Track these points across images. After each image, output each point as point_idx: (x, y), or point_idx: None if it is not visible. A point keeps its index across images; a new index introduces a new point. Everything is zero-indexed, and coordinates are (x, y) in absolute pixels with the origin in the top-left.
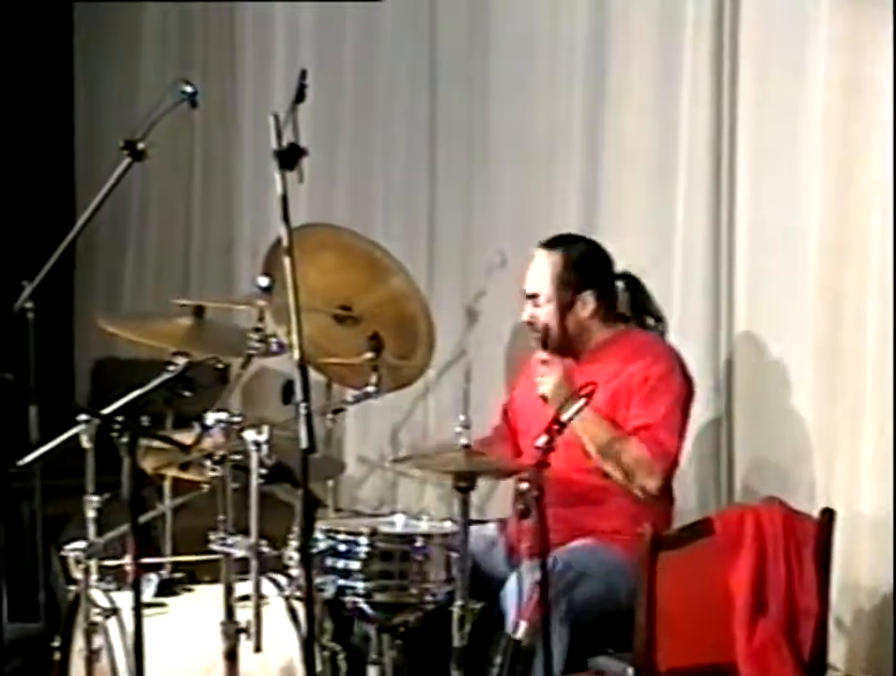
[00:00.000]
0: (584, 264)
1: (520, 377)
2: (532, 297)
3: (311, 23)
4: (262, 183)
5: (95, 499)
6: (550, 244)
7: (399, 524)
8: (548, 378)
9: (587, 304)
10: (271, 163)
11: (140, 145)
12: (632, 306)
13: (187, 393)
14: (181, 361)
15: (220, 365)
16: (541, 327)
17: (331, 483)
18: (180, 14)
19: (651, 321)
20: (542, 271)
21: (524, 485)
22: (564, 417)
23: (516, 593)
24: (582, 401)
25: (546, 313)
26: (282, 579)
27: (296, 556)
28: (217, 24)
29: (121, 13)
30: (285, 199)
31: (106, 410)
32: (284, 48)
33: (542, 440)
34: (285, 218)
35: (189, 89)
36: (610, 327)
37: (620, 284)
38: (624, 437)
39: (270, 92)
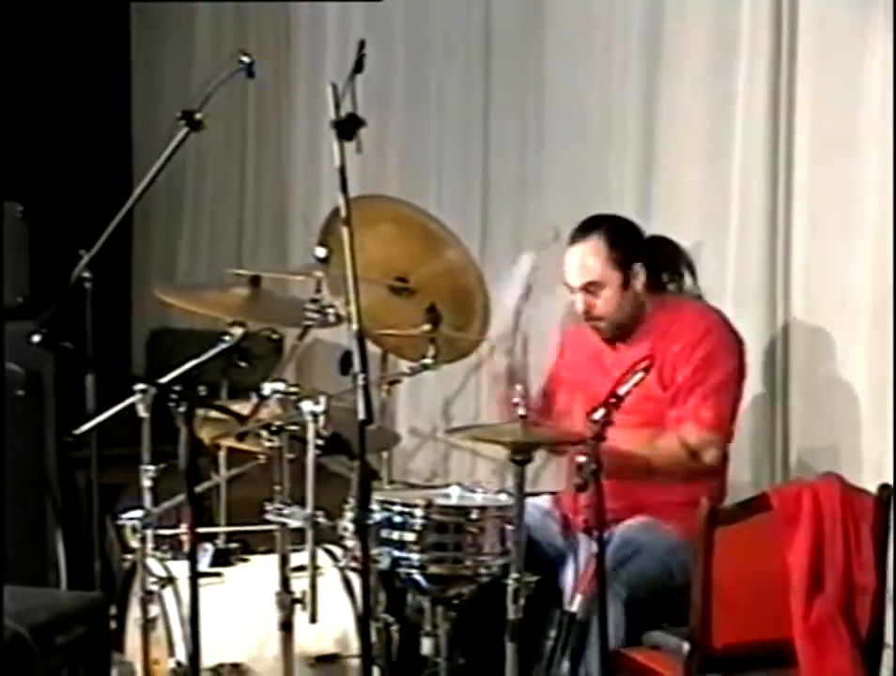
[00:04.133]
0: (623, 238)
1: (561, 353)
2: (586, 287)
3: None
4: (315, 154)
5: (151, 468)
6: (583, 233)
7: (454, 496)
8: None
9: (639, 276)
10: (324, 134)
11: (197, 116)
12: (669, 267)
13: (243, 364)
14: (237, 331)
15: (275, 336)
16: (599, 315)
17: (385, 454)
18: None
19: (688, 281)
20: (587, 260)
21: (582, 458)
22: (622, 390)
23: (572, 567)
24: (640, 374)
25: (604, 298)
26: (337, 550)
27: (351, 527)
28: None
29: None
30: (343, 170)
31: (163, 380)
32: (336, 18)
33: (599, 414)
34: (344, 189)
35: (246, 59)
36: (657, 296)
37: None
38: (659, 435)
39: (322, 63)
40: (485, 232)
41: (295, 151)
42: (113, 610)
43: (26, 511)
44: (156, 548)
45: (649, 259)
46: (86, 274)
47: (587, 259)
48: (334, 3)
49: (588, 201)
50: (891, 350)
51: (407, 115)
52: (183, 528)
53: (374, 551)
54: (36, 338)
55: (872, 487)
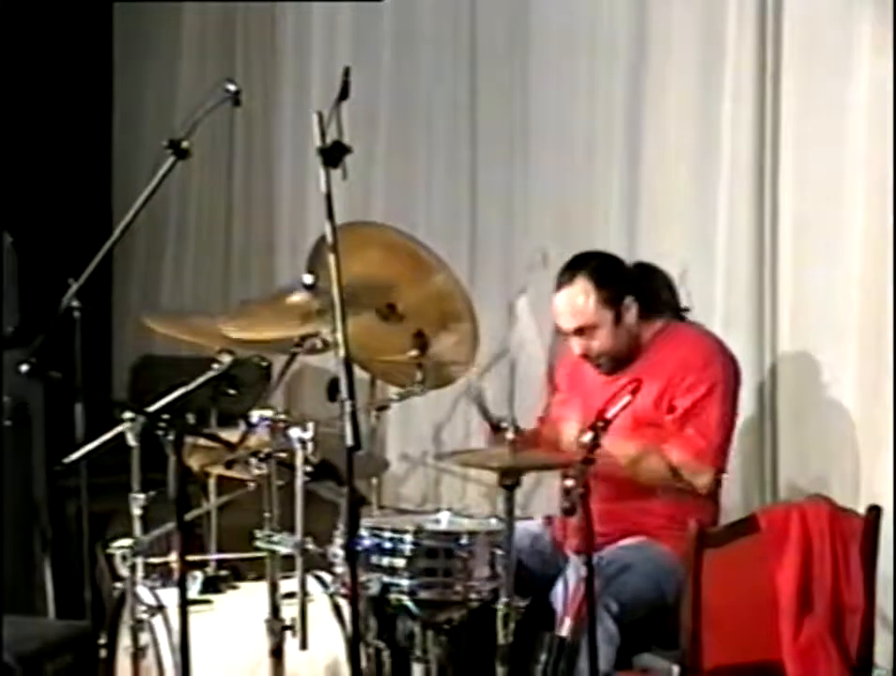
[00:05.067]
0: (609, 275)
1: (560, 377)
2: (580, 331)
3: (349, 21)
4: (301, 180)
5: (140, 496)
6: (569, 276)
7: (444, 521)
8: None
9: (630, 309)
10: (310, 160)
11: (184, 144)
12: (650, 293)
13: (231, 391)
14: (226, 358)
15: (263, 363)
16: (597, 353)
17: (374, 480)
18: (220, 13)
19: (677, 303)
20: (577, 303)
21: (570, 482)
22: (610, 413)
23: (561, 591)
24: (628, 398)
25: (600, 339)
26: (327, 577)
27: (341, 553)
28: (257, 23)
29: (162, 12)
30: (329, 196)
31: (152, 408)
32: (321, 45)
33: (587, 437)
34: (330, 215)
35: (232, 88)
36: (651, 323)
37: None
38: (655, 447)
39: (308, 90)
40: (473, 254)
41: (281, 177)
42: (103, 639)
43: (16, 540)
44: (146, 576)
45: (638, 289)
46: (74, 303)
47: (577, 303)
48: (319, 29)
49: (575, 222)
50: (890, 371)
51: (393, 137)
52: (173, 555)
53: (363, 577)
54: (24, 367)
55: (862, 509)
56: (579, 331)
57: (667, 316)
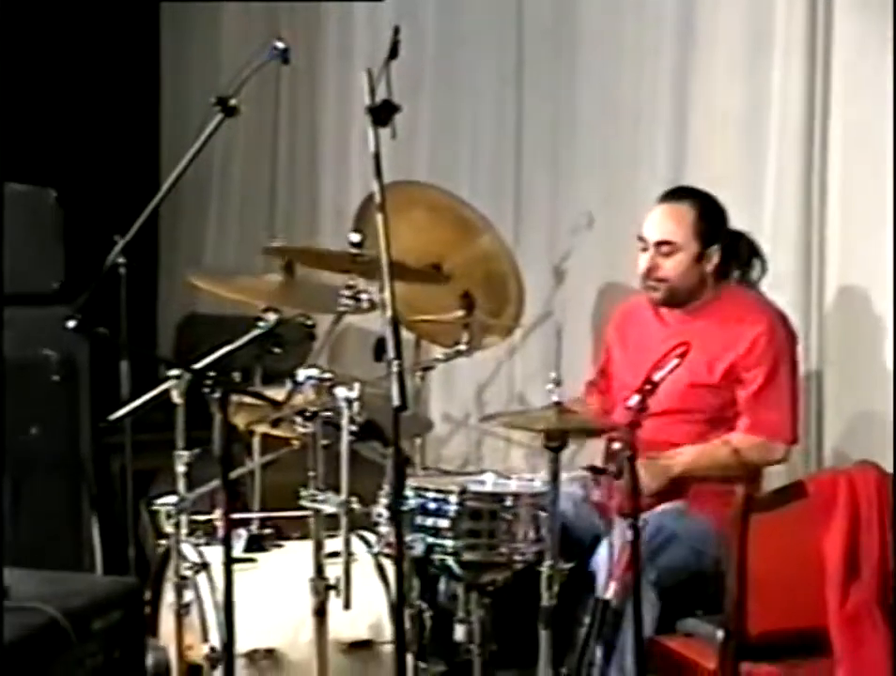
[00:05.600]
0: (713, 217)
1: (610, 330)
2: (661, 245)
3: None
4: (344, 139)
5: (185, 453)
6: (678, 195)
7: (489, 483)
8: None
9: (712, 258)
10: (354, 119)
11: (232, 102)
12: (739, 260)
13: (276, 350)
14: (271, 317)
15: (309, 322)
16: (663, 276)
17: (418, 441)
18: None
19: (755, 274)
20: (672, 221)
21: (616, 445)
22: (657, 376)
23: (606, 554)
24: (675, 361)
25: (673, 263)
26: (371, 537)
27: (385, 513)
28: None
29: None
30: (377, 156)
31: (197, 366)
32: (365, 4)
33: (634, 400)
34: (378, 175)
35: (280, 46)
36: (720, 283)
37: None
38: (722, 443)
39: (351, 48)
40: (518, 215)
41: (325, 136)
42: (147, 595)
43: (62, 496)
44: (190, 534)
45: (725, 247)
46: (120, 260)
47: (671, 219)
48: None
49: (620, 186)
50: None
51: (438, 100)
52: (217, 513)
53: (408, 538)
54: (71, 323)
55: None
56: (659, 245)
57: (734, 281)
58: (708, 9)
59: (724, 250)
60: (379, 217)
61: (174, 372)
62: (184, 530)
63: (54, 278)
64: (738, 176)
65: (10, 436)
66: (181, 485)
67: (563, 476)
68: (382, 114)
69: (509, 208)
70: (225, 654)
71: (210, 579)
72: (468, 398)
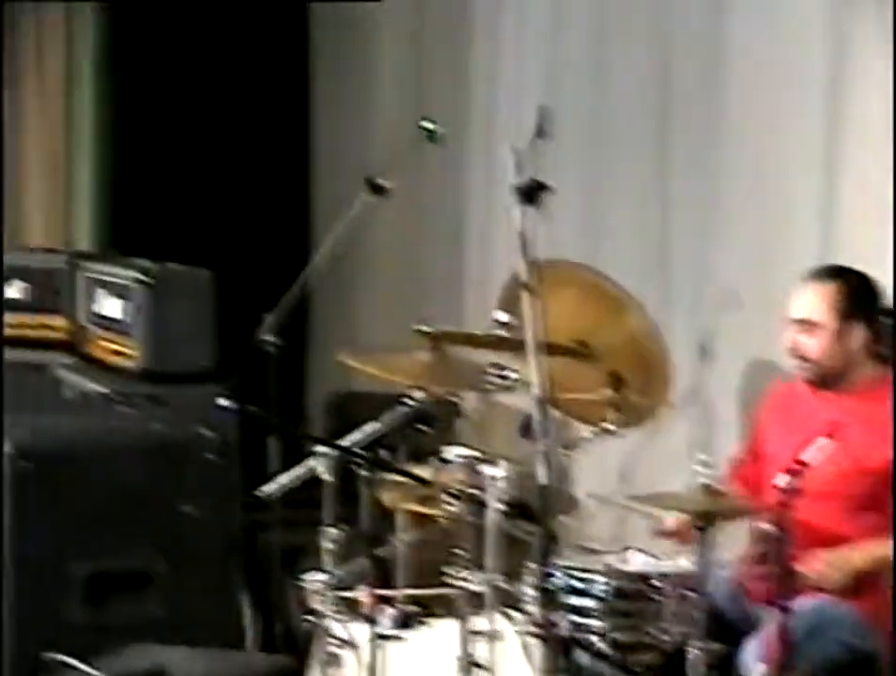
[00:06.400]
0: (859, 295)
1: (765, 411)
2: (803, 323)
3: (539, 62)
4: (490, 217)
5: (332, 530)
6: (824, 274)
7: (636, 562)
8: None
9: (858, 336)
10: (500, 197)
11: (381, 182)
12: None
13: (423, 428)
14: (419, 395)
15: (455, 399)
16: (805, 355)
17: (563, 518)
18: (413, 44)
19: None
20: (816, 299)
21: (765, 527)
22: (807, 457)
23: (755, 639)
24: (825, 441)
25: (816, 341)
26: (517, 615)
27: (532, 592)
28: (449, 58)
29: (356, 42)
30: (524, 234)
31: (344, 443)
32: (512, 77)
33: (784, 481)
34: (526, 254)
35: (430, 126)
36: (878, 365)
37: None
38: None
39: (496, 126)
40: (665, 295)
41: (471, 212)
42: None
43: (214, 573)
44: (337, 611)
45: (876, 323)
46: (269, 338)
47: (813, 296)
48: (511, 67)
49: (771, 258)
50: None
51: (584, 173)
52: (365, 590)
53: (554, 617)
54: (223, 402)
55: None
56: (801, 323)
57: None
58: (859, 84)
59: (875, 329)
60: (527, 296)
61: (321, 449)
62: (332, 607)
63: (207, 357)
64: (888, 257)
65: (165, 513)
66: (329, 562)
67: (713, 558)
68: (529, 192)
69: (655, 286)
70: None
71: (358, 657)
72: (613, 476)
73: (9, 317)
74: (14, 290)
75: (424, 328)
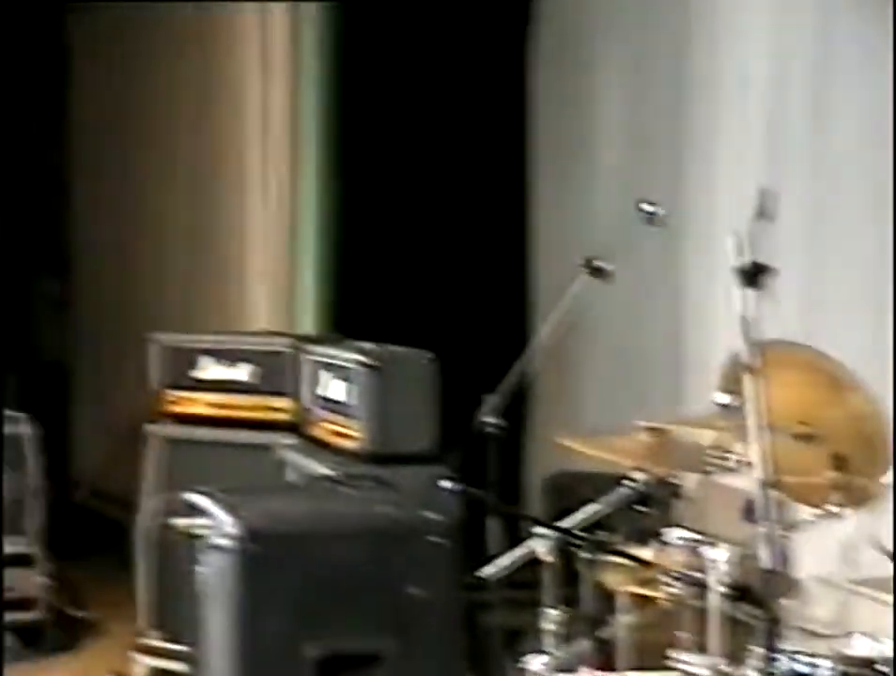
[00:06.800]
0: None
1: None
2: None
3: (758, 141)
4: (708, 297)
5: (553, 612)
6: None
7: (861, 647)
8: None
9: None
10: (719, 276)
11: (601, 264)
12: None
13: (643, 509)
14: (639, 476)
15: (676, 480)
16: None
17: (787, 602)
18: (632, 122)
19: None
20: None
21: None
22: None
23: None
24: None
25: None
26: None
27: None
28: (667, 138)
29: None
30: (746, 318)
31: (564, 524)
32: (732, 160)
33: None
34: (748, 337)
35: (649, 208)
36: None
37: None
38: None
39: (715, 208)
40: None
41: (689, 294)
42: None
43: (440, 654)
44: None
45: None
46: (490, 419)
47: None
48: (728, 152)
49: None
50: None
51: (805, 260)
52: (587, 672)
53: None
54: (447, 484)
55: None
56: None
57: None
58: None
59: None
60: (749, 377)
61: (542, 530)
62: None
63: (430, 438)
64: None
65: (392, 594)
66: (550, 644)
67: None
68: (752, 275)
69: (877, 367)
70: None
71: None
72: (835, 558)
73: (236, 399)
74: (241, 372)
75: (649, 424)
